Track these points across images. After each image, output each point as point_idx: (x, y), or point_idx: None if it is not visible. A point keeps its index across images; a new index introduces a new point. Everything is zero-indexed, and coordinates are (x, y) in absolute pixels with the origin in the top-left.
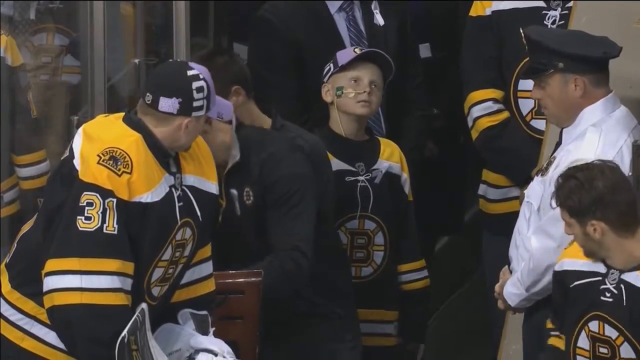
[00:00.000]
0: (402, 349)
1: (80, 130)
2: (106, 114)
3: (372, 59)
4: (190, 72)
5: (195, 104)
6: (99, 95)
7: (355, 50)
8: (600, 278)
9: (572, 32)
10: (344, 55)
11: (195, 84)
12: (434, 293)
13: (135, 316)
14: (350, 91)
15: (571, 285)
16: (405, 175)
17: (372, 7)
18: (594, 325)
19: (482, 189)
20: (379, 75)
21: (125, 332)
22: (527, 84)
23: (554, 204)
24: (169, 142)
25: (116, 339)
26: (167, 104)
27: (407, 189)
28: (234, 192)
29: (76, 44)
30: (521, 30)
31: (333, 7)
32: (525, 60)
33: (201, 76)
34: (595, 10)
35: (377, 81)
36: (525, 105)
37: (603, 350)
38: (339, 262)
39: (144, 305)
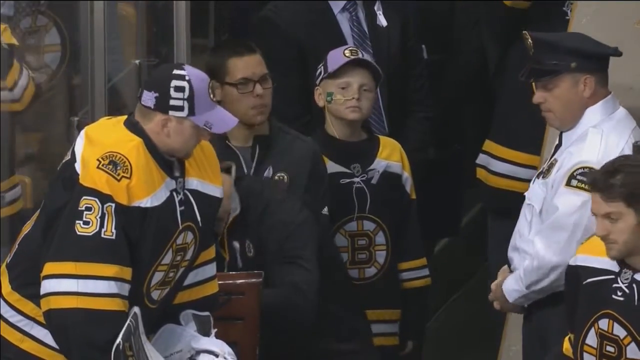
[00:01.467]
0: (403, 348)
1: (82, 132)
2: (109, 117)
3: (361, 62)
4: (175, 71)
5: (172, 102)
6: (100, 96)
7: (345, 53)
8: (612, 276)
9: (573, 33)
10: (333, 60)
11: (174, 82)
12: (434, 294)
13: (128, 321)
14: (339, 97)
15: (584, 282)
16: (406, 174)
17: (375, 7)
18: (603, 324)
19: (483, 159)
20: (369, 78)
21: (119, 339)
22: None
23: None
24: (161, 146)
25: (111, 344)
26: (147, 97)
27: (408, 187)
28: (236, 245)
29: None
30: (527, 35)
31: (336, 7)
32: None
33: (187, 78)
34: (596, 11)
35: (367, 84)
36: None
37: (610, 349)
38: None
39: (136, 309)
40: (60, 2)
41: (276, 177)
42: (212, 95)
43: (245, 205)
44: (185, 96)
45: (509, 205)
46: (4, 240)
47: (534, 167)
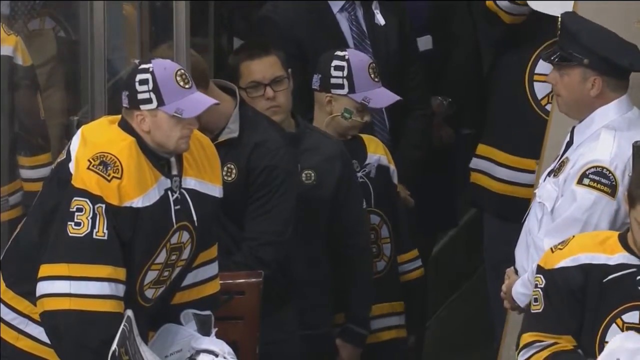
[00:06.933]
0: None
1: (79, 131)
2: (108, 116)
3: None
4: (141, 66)
5: (139, 96)
6: (99, 95)
7: (371, 74)
8: (634, 269)
9: (607, 31)
10: (361, 81)
11: (139, 77)
12: (434, 293)
13: (122, 326)
14: (357, 119)
15: (604, 280)
16: (392, 167)
17: (373, 7)
18: (631, 317)
19: (482, 164)
20: None
21: (115, 345)
22: (544, 68)
23: None
24: (150, 143)
25: (104, 346)
26: (122, 98)
27: (395, 179)
28: None
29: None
30: (559, 15)
31: (335, 6)
32: (546, 44)
33: (150, 69)
34: (596, 10)
35: None
36: (541, 89)
37: None
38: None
39: (129, 313)
40: (60, 2)
41: (304, 175)
42: (183, 82)
43: (242, 132)
44: (150, 88)
45: (512, 210)
46: (4, 243)
47: (534, 171)
